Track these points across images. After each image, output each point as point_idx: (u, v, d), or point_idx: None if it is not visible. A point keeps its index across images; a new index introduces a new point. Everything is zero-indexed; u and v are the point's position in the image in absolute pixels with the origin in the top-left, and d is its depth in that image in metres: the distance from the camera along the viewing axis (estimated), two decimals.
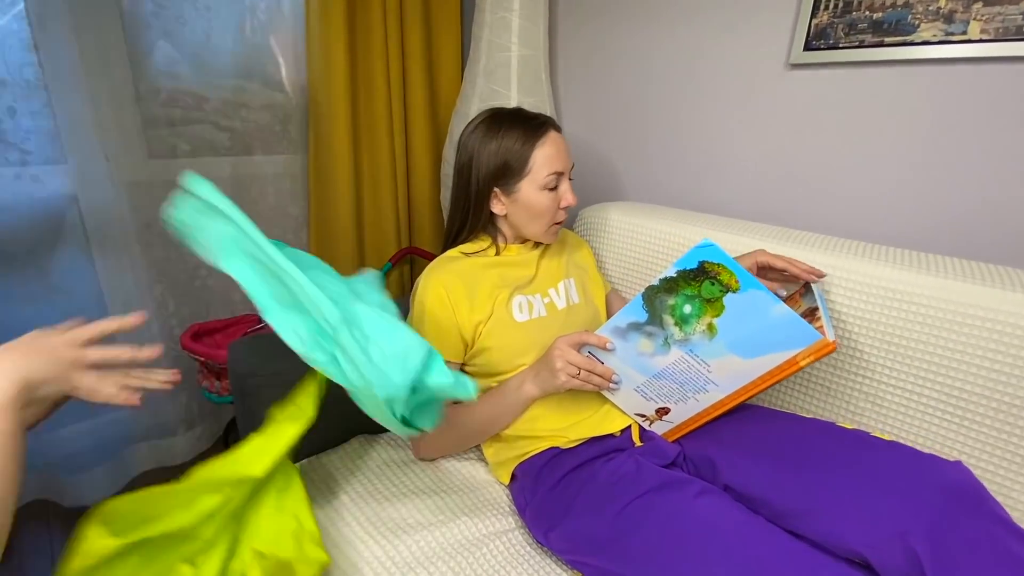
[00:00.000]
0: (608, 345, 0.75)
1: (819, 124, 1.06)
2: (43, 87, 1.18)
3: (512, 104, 1.31)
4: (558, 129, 0.91)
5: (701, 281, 0.66)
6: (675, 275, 0.66)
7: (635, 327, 0.73)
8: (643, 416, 0.84)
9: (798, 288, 0.86)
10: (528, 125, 0.88)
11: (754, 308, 0.65)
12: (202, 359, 1.18)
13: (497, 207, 0.92)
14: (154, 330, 1.37)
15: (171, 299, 1.40)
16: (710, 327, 0.69)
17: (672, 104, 1.26)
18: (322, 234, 1.57)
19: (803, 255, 0.93)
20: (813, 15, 1.01)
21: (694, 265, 0.65)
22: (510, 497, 0.89)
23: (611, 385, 0.79)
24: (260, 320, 1.45)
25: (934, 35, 0.90)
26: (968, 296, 0.79)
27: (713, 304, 0.67)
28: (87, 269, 1.29)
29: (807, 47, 1.04)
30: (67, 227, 1.25)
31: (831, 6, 0.99)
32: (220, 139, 1.43)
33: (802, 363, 0.68)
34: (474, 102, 1.34)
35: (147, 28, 1.31)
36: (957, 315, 0.79)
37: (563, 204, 0.90)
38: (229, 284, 1.56)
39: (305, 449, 0.92)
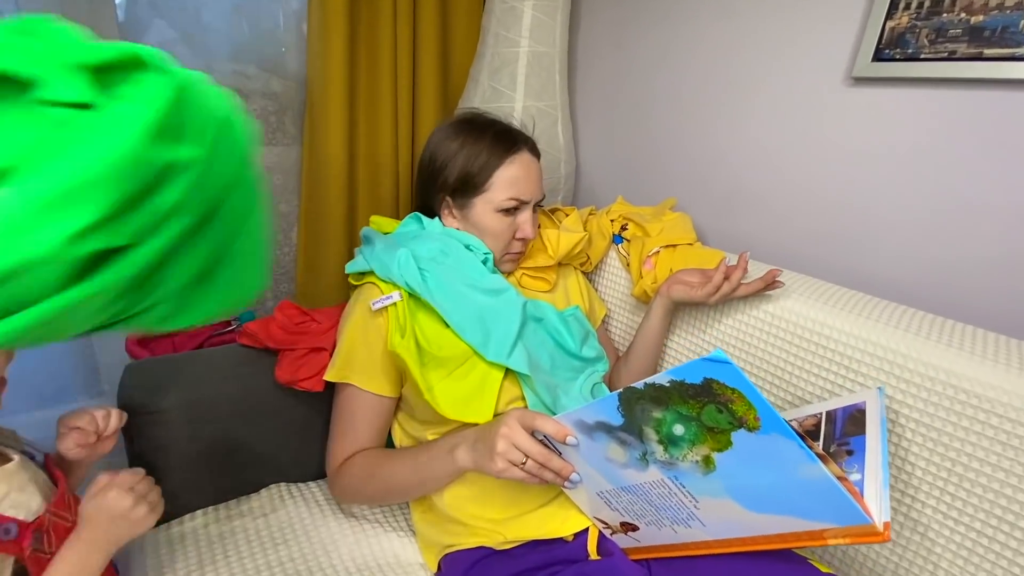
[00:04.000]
0: (569, 439, 0.57)
1: (884, 158, 0.83)
2: None
3: (517, 108, 1.14)
4: (536, 153, 0.80)
5: (704, 403, 0.47)
6: (667, 385, 0.48)
7: (605, 428, 0.55)
8: (604, 523, 0.65)
9: (843, 406, 0.64)
10: (500, 138, 0.76)
11: (775, 458, 0.47)
12: None
13: (447, 219, 0.82)
14: (116, 339, 1.27)
15: None
16: (706, 460, 0.50)
17: (702, 121, 1.06)
18: (312, 234, 1.46)
19: (844, 322, 0.71)
20: (889, 16, 0.79)
21: (697, 380, 0.46)
22: None
23: (566, 484, 0.60)
24: (228, 323, 1.35)
25: None
26: None
27: (716, 436, 0.48)
28: None
29: (877, 56, 0.81)
30: None
31: (913, 5, 0.76)
32: None
33: (831, 541, 0.48)
34: (475, 102, 1.18)
35: (142, 4, 1.23)
36: None
37: (519, 235, 0.78)
38: None
39: (207, 496, 0.79)
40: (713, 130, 1.04)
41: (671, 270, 0.89)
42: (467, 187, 0.77)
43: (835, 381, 0.72)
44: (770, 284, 0.74)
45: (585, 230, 0.95)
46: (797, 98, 0.91)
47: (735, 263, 0.78)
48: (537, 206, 0.81)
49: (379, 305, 0.73)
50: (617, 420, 0.54)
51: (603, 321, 0.98)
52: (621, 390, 0.52)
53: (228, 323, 1.34)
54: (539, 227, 0.89)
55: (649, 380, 0.49)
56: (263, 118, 1.39)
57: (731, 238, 1.03)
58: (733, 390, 0.45)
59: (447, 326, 0.72)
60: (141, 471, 0.54)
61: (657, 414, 0.51)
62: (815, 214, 0.92)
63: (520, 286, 0.85)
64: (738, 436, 0.47)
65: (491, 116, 0.82)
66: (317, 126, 1.36)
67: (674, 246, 0.93)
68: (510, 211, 0.77)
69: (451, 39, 1.42)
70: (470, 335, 0.71)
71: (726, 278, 0.76)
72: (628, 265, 0.97)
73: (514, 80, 1.13)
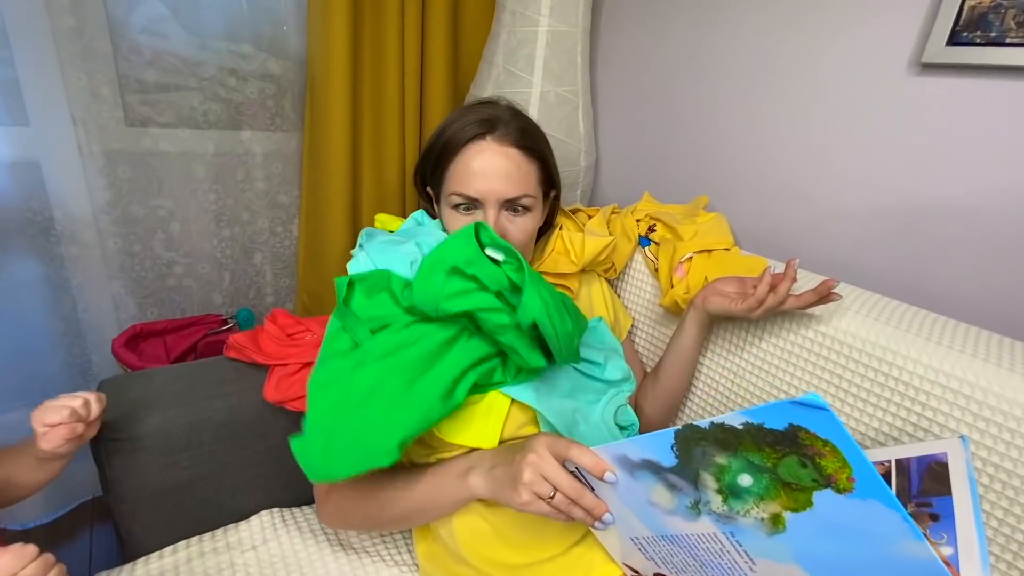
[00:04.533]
0: (607, 475, 0.49)
1: (956, 158, 0.73)
2: (1, 36, 1.04)
3: (534, 94, 1.04)
4: (521, 145, 0.68)
5: (784, 454, 0.39)
6: (740, 428, 0.40)
7: (652, 468, 0.47)
8: (635, 572, 0.58)
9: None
10: (471, 121, 0.68)
11: (867, 527, 0.38)
12: (129, 371, 1.00)
13: (439, 215, 0.76)
14: (105, 337, 1.20)
15: (132, 300, 1.23)
16: (775, 519, 0.42)
17: (742, 111, 0.95)
18: (314, 227, 1.37)
19: (912, 347, 0.62)
20: None
21: (780, 426, 0.38)
22: None
23: (596, 524, 0.53)
24: (225, 321, 1.27)
25: None
26: None
27: (793, 492, 0.40)
28: (41, 251, 1.14)
29: (953, 40, 0.71)
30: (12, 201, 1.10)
31: None
32: (205, 109, 1.25)
33: None
34: (488, 87, 1.09)
35: None
36: None
37: None
38: (213, 283, 1.41)
39: (188, 526, 0.71)
40: (754, 121, 0.94)
41: (705, 279, 0.80)
42: (435, 177, 0.73)
43: (901, 415, 0.63)
44: (824, 297, 0.64)
45: (609, 232, 0.86)
46: (854, 87, 0.81)
47: (779, 271, 0.68)
48: (517, 207, 0.69)
49: None
50: (669, 461, 0.46)
51: (629, 333, 0.89)
52: (680, 427, 0.44)
53: (224, 321, 1.27)
54: (560, 229, 0.80)
55: (717, 419, 0.41)
56: (260, 102, 1.30)
57: (771, 243, 0.93)
58: (825, 442, 0.37)
59: None
60: (31, 550, 0.44)
61: (721, 460, 0.43)
62: (873, 219, 0.82)
63: None
64: (822, 496, 0.39)
65: (501, 102, 0.74)
66: (318, 111, 1.27)
67: (709, 251, 0.84)
68: (464, 209, 0.69)
69: (463, 17, 1.32)
70: None
71: (771, 289, 0.66)
72: (656, 271, 0.88)
73: (531, 62, 1.03)
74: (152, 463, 0.64)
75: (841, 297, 0.65)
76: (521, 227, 0.70)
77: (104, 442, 0.63)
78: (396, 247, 0.68)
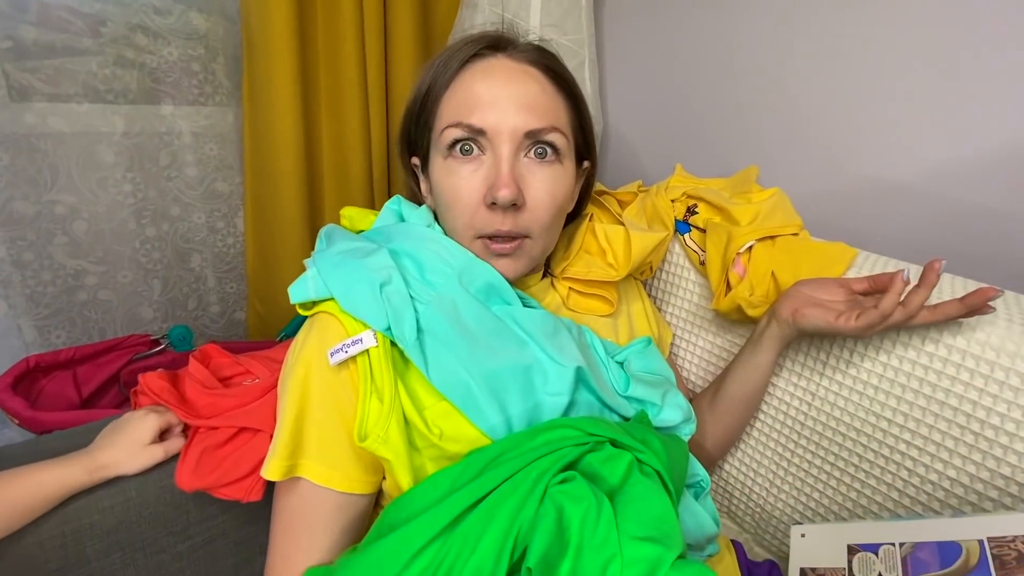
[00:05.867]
0: None
1: None
2: None
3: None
4: (540, 59, 0.49)
5: None
6: None
7: None
8: None
9: None
10: (470, 40, 0.49)
11: None
12: (18, 423, 0.76)
13: (426, 198, 0.56)
14: None
15: (27, 323, 0.97)
16: None
17: (799, 53, 0.76)
18: (262, 222, 1.14)
19: None
20: None
21: None
22: None
23: None
24: (156, 341, 1.03)
25: None
26: None
27: None
28: None
29: None
30: None
31: None
32: (108, 76, 0.98)
33: None
34: None
35: None
36: None
37: (489, 196, 0.46)
38: (140, 295, 1.15)
39: None
40: (817, 68, 0.74)
41: (772, 276, 0.62)
42: (418, 128, 0.51)
43: None
44: (975, 309, 0.46)
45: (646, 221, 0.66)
46: (962, 8, 0.62)
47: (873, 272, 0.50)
48: (544, 147, 0.47)
49: (340, 357, 0.44)
50: None
51: (671, 349, 0.70)
52: None
53: (155, 342, 1.03)
54: (590, 218, 0.60)
55: None
56: (183, 67, 1.05)
57: (840, 224, 0.75)
58: None
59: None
60: None
61: None
62: (987, 190, 0.63)
63: (567, 308, 0.57)
64: None
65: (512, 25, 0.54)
66: (259, 78, 1.03)
67: (772, 237, 0.65)
68: (462, 151, 0.47)
69: None
70: (484, 419, 0.43)
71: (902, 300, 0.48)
72: (702, 264, 0.69)
73: (526, 4, 0.82)
74: None
75: (995, 310, 0.47)
76: (548, 182, 0.48)
77: None
78: (359, 260, 0.46)
